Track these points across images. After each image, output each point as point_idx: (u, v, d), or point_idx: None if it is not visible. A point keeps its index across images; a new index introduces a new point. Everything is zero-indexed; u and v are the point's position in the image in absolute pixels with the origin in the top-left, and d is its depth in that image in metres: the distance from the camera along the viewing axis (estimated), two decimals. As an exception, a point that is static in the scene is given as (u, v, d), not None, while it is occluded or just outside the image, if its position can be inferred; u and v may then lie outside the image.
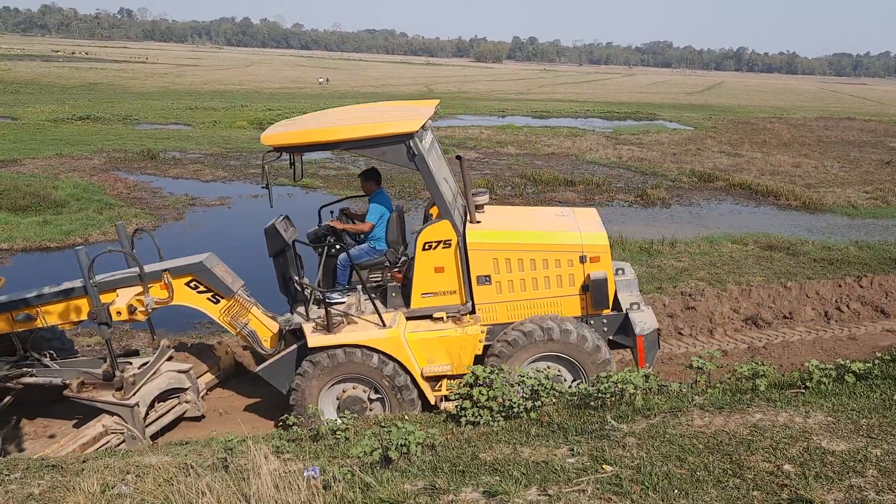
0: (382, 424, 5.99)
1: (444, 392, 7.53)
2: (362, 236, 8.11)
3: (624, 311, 7.75)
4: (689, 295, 12.18)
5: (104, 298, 7.50)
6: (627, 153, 30.52)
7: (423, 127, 7.22)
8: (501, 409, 5.79)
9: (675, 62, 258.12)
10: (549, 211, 8.79)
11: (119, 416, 7.57)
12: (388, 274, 7.88)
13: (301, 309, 7.68)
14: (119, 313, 7.44)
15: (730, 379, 5.97)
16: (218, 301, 7.79)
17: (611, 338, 7.77)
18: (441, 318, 7.53)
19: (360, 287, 7.70)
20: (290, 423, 6.86)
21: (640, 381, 5.61)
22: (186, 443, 6.67)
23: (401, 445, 4.63)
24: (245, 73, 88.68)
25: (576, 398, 5.89)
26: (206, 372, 8.86)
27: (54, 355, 8.26)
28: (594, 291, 7.42)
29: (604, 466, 4.25)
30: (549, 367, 7.23)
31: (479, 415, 5.82)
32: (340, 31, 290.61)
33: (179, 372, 8.19)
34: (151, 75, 75.33)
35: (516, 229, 7.72)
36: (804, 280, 13.14)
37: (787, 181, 24.86)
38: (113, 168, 23.88)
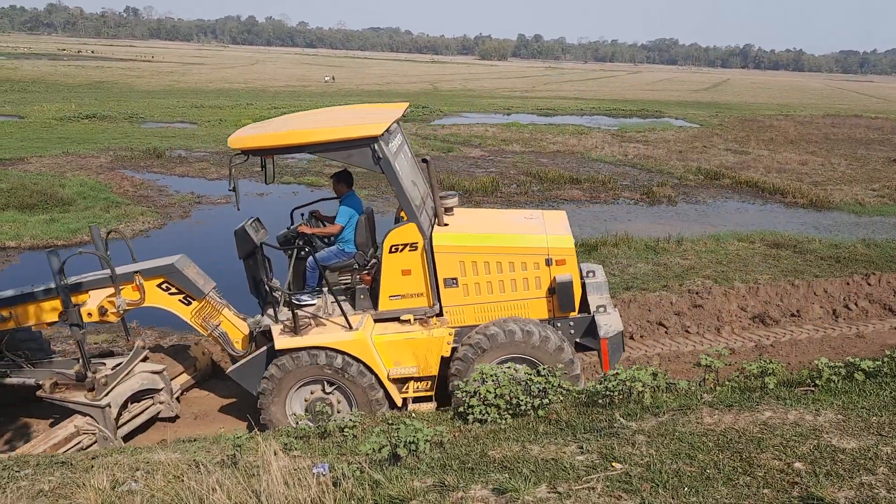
0: (390, 422, 6.00)
1: (410, 394, 7.61)
2: (332, 238, 8.12)
3: (591, 314, 7.81)
4: (696, 293, 12.15)
5: (76, 300, 7.54)
6: (633, 151, 30.46)
7: (388, 130, 7.25)
8: (508, 406, 5.79)
9: (681, 59, 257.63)
10: (518, 213, 8.84)
11: (91, 416, 7.62)
12: (358, 276, 7.90)
13: (271, 311, 7.71)
14: (90, 315, 7.48)
15: (738, 377, 5.96)
16: (189, 303, 7.83)
17: (578, 340, 7.83)
18: (408, 321, 7.57)
19: (324, 289, 7.72)
20: (299, 421, 6.89)
21: (649, 379, 5.61)
22: (195, 439, 6.70)
23: (409, 443, 4.63)
24: (250, 71, 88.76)
25: (583, 396, 5.88)
26: (183, 373, 8.89)
27: (29, 356, 8.30)
28: (560, 294, 7.48)
29: (613, 464, 4.24)
30: (516, 370, 7.33)
31: (487, 412, 5.82)
32: (345, 29, 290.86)
33: (153, 373, 8.21)
34: (157, 74, 75.45)
35: (482, 232, 7.77)
36: (811, 278, 13.10)
37: (794, 179, 24.79)
38: (119, 166, 23.93)
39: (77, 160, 24.70)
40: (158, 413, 8.25)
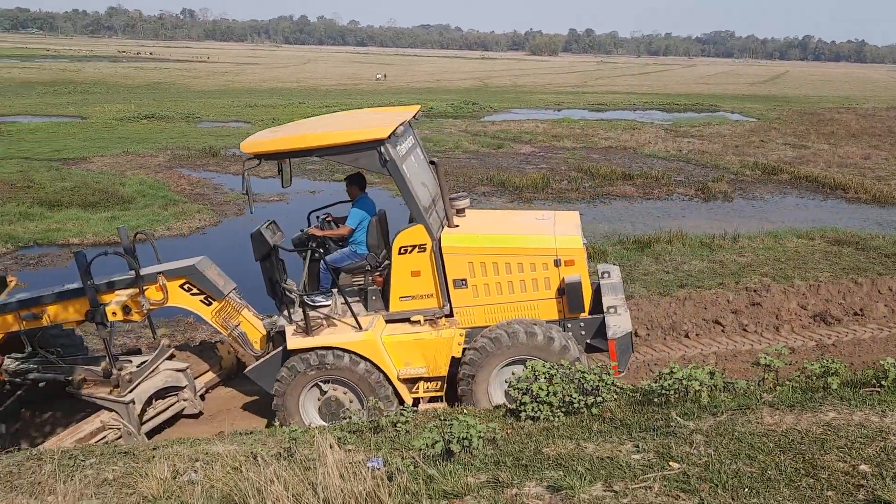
0: (443, 418, 6.02)
1: (421, 394, 7.66)
2: (344, 240, 8.20)
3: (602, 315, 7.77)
4: (754, 290, 11.88)
5: (102, 299, 7.78)
6: (687, 146, 29.91)
7: (395, 133, 7.29)
8: (562, 404, 5.74)
9: (738, 52, 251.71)
10: (530, 214, 8.79)
11: (116, 412, 7.86)
12: (370, 278, 7.98)
13: (287, 312, 7.83)
14: (115, 314, 7.68)
15: (799, 377, 5.80)
16: (210, 303, 8.00)
17: (588, 341, 7.80)
18: (418, 322, 7.64)
19: (335, 290, 7.80)
20: (350, 416, 6.96)
21: (706, 378, 5.49)
22: (251, 432, 6.82)
23: (462, 439, 4.64)
24: (302, 70, 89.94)
25: (638, 395, 5.80)
26: (208, 371, 9.09)
27: (61, 352, 8.58)
28: (569, 295, 7.48)
29: (670, 463, 4.18)
30: (523, 371, 7.41)
31: (539, 410, 5.78)
32: (395, 26, 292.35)
33: (177, 371, 8.43)
34: (212, 74, 77.04)
35: (491, 233, 7.80)
36: (875, 276, 12.68)
37: (857, 173, 24.02)
38: (176, 165, 24.53)
39: (136, 159, 25.40)
40: (182, 410, 8.46)
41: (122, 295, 7.77)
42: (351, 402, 7.64)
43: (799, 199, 20.85)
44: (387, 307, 7.74)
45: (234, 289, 8.18)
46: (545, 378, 6.04)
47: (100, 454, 6.06)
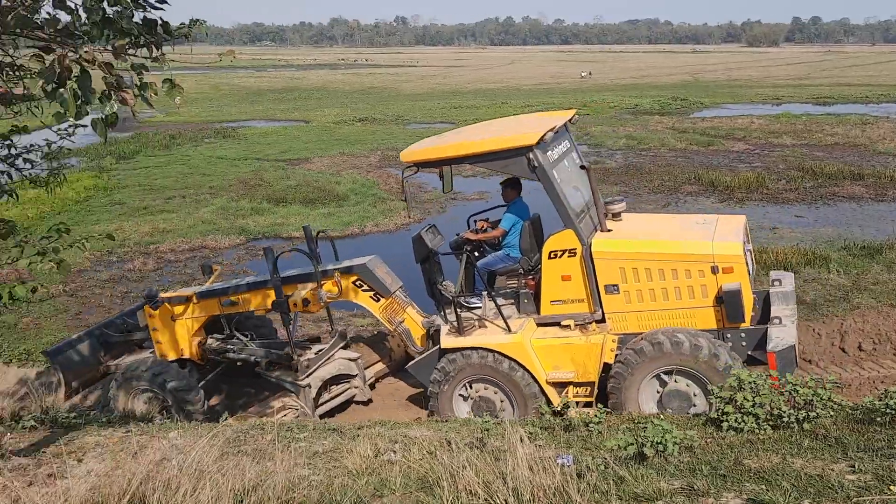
0: (637, 420, 5.88)
1: (570, 398, 7.49)
2: (499, 243, 8.31)
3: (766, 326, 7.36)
4: None
5: (286, 291, 8.46)
6: (931, 142, 26.61)
7: (543, 139, 7.27)
8: (769, 417, 5.38)
9: None
10: (691, 219, 8.41)
11: (294, 394, 8.58)
12: (523, 281, 8.03)
13: (443, 312, 8.10)
14: (295, 305, 8.36)
15: None
16: (378, 299, 8.55)
17: (749, 353, 7.37)
18: (568, 326, 7.59)
19: (484, 293, 7.92)
20: (544, 412, 7.00)
21: (942, 399, 4.90)
22: (446, 420, 7.09)
23: (657, 443, 4.51)
24: (506, 71, 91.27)
25: (858, 412, 5.30)
26: (378, 362, 9.62)
27: (254, 336, 9.39)
28: (727, 304, 7.12)
29: (891, 487, 3.78)
30: (676, 381, 7.11)
31: (744, 421, 5.46)
32: (602, 23, 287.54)
33: (349, 360, 9.01)
34: (421, 78, 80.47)
35: (645, 238, 7.62)
36: None
37: None
38: (386, 165, 25.95)
39: (350, 160, 27.20)
40: (354, 397, 9.07)
41: (302, 288, 8.46)
42: (502, 401, 7.71)
43: None
44: (538, 310, 7.79)
45: (401, 287, 8.67)
46: (751, 388, 5.70)
47: (312, 429, 6.61)
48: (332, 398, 8.90)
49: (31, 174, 6.97)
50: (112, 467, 4.26)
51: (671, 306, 7.35)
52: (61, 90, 4.50)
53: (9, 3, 4.67)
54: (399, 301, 8.59)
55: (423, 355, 8.21)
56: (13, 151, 6.82)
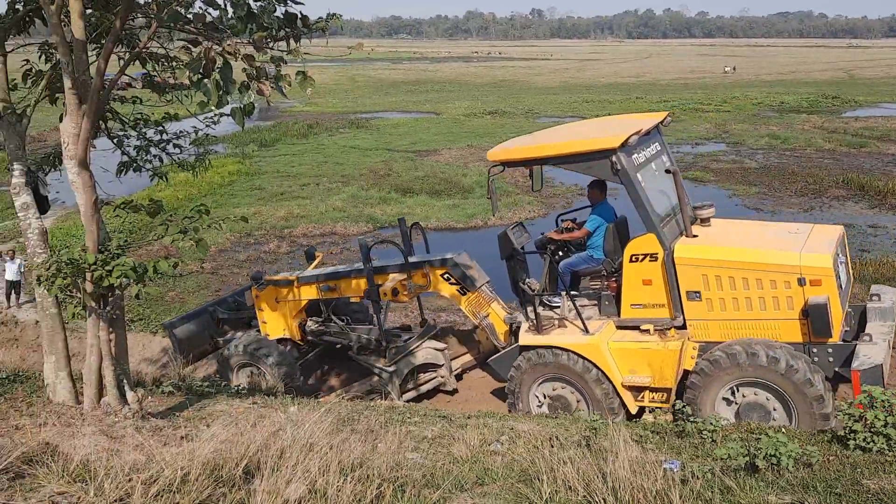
0: (752, 431, 5.65)
1: (646, 403, 7.45)
2: (584, 244, 8.27)
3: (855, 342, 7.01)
4: None
5: (378, 280, 8.81)
6: None
7: (626, 142, 7.18)
8: (903, 439, 5.02)
9: None
10: (783, 227, 8.08)
11: (381, 378, 9.03)
12: (605, 283, 7.98)
13: (525, 309, 8.11)
14: (385, 294, 8.68)
15: None
16: (465, 293, 8.77)
17: (837, 370, 7.00)
18: (647, 331, 7.49)
19: (563, 293, 7.88)
20: (656, 415, 6.85)
21: None
22: (555, 416, 7.07)
23: (770, 455, 4.32)
24: (643, 65, 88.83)
25: None
26: (466, 353, 9.80)
27: (350, 321, 9.74)
28: (812, 318, 6.82)
29: None
30: (756, 395, 6.90)
31: (873, 441, 5.13)
32: (748, 16, 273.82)
33: (436, 350, 9.26)
34: (554, 71, 79.76)
35: (731, 245, 7.42)
36: None
37: None
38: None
39: (478, 152, 27.43)
40: (440, 385, 9.31)
41: (393, 279, 8.77)
42: (578, 401, 7.69)
43: None
44: (618, 313, 7.73)
45: (487, 282, 8.84)
46: (883, 407, 5.33)
47: (423, 414, 6.79)
48: (419, 385, 9.19)
49: (179, 158, 7.56)
50: (234, 434, 4.57)
51: (755, 317, 7.11)
52: (206, 80, 4.86)
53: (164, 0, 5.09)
54: (485, 296, 8.77)
55: (504, 350, 8.33)
56: (165, 137, 7.43)
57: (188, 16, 5.23)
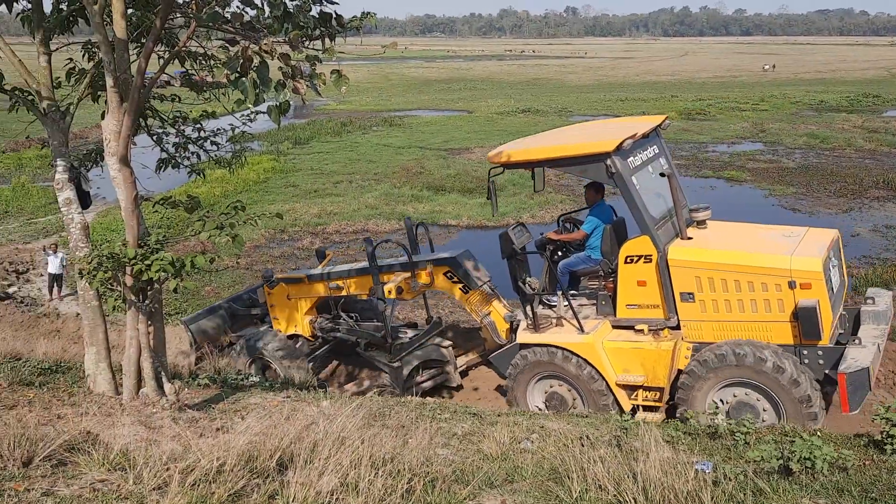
0: (786, 433, 5.58)
1: (639, 401, 7.59)
2: (582, 245, 8.36)
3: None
4: None
5: (383, 278, 8.99)
6: None
7: (621, 146, 7.30)
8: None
9: None
10: (777, 230, 8.13)
11: (386, 373, 9.24)
12: (602, 283, 8.10)
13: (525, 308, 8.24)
14: (390, 292, 8.82)
15: None
16: (467, 291, 8.92)
17: (826, 372, 7.08)
18: (641, 331, 7.61)
19: (560, 292, 8.01)
20: (689, 417, 6.80)
21: None
22: (586, 416, 7.06)
23: (804, 458, 4.28)
24: (678, 63, 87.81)
25: None
26: (472, 350, 9.98)
27: (358, 318, 9.85)
28: (802, 320, 6.93)
29: None
30: (747, 395, 7.01)
31: (911, 446, 5.04)
32: (787, 13, 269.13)
33: (441, 346, 9.46)
34: (588, 69, 79.21)
35: (723, 248, 7.54)
36: None
37: None
38: (546, 156, 25.87)
39: (511, 150, 27.34)
40: (444, 381, 9.47)
41: (397, 277, 8.94)
42: (574, 399, 7.86)
43: None
44: (614, 313, 7.88)
45: (489, 281, 9.02)
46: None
47: (453, 411, 6.82)
48: (424, 381, 9.34)
49: (216, 155, 7.70)
50: (268, 426, 4.65)
51: (747, 318, 7.23)
52: (243, 79, 4.95)
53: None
54: (486, 294, 8.94)
55: (504, 348, 8.47)
56: (202, 134, 7.56)
57: (226, 15, 5.32)
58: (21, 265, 15.90)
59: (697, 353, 7.32)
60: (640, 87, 55.79)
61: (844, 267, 8.15)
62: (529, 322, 8.02)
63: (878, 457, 5.01)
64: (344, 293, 9.70)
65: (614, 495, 3.92)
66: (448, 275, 9.02)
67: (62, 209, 6.23)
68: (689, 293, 7.37)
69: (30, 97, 6.11)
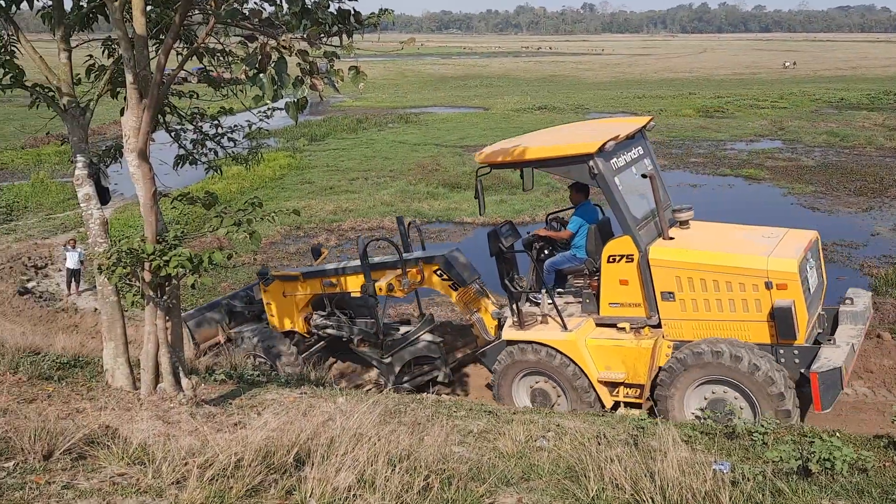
0: (806, 434, 5.54)
1: (620, 398, 7.78)
2: (568, 244, 8.47)
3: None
4: None
5: (374, 276, 9.11)
6: None
7: (603, 148, 7.40)
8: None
9: None
10: (758, 231, 8.23)
11: (378, 369, 9.49)
12: (587, 282, 8.22)
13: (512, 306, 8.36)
14: (381, 289, 8.99)
15: None
16: (456, 288, 9.07)
17: (802, 371, 7.19)
18: (623, 329, 7.77)
19: (544, 291, 8.15)
20: (705, 417, 6.77)
21: None
22: (603, 415, 7.05)
23: (824, 459, 4.24)
24: (697, 60, 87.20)
25: None
26: (464, 347, 10.14)
27: (353, 315, 9.91)
28: (778, 320, 7.06)
29: None
30: (725, 393, 7.16)
31: (933, 448, 4.99)
32: (807, 9, 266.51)
33: (432, 343, 9.54)
34: (605, 66, 78.83)
35: (701, 248, 7.66)
36: None
37: None
38: (563, 154, 25.78)
39: (528, 147, 27.28)
40: (435, 378, 9.54)
41: (388, 275, 9.07)
42: (558, 396, 8.00)
43: None
44: (598, 311, 8.01)
45: (478, 279, 9.18)
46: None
47: (469, 409, 6.82)
48: (415, 377, 9.44)
49: (233, 152, 7.74)
50: (285, 422, 4.66)
51: (726, 318, 7.37)
52: (261, 75, 4.96)
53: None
54: (476, 291, 9.10)
55: (492, 344, 8.61)
56: (220, 131, 7.60)
57: (245, 11, 5.34)
58: (40, 260, 16.08)
59: (676, 352, 7.45)
60: (658, 84, 55.45)
61: (824, 268, 8.26)
62: (515, 319, 8.14)
63: (900, 459, 4.95)
64: (337, 290, 9.80)
65: (631, 494, 3.90)
66: (438, 272, 9.18)
67: (81, 205, 6.29)
68: (670, 292, 7.52)
69: (50, 93, 6.17)
